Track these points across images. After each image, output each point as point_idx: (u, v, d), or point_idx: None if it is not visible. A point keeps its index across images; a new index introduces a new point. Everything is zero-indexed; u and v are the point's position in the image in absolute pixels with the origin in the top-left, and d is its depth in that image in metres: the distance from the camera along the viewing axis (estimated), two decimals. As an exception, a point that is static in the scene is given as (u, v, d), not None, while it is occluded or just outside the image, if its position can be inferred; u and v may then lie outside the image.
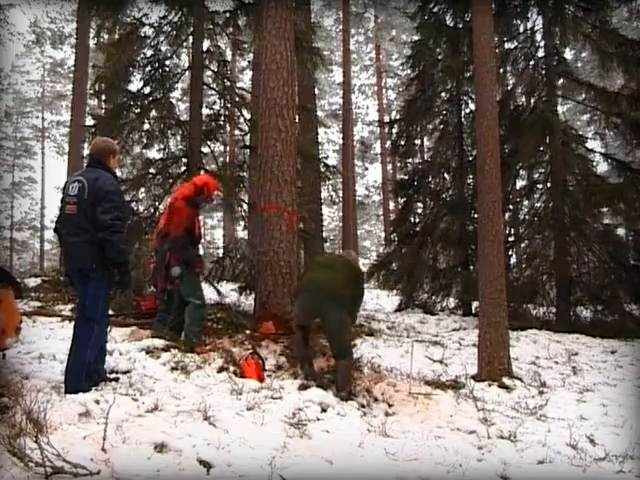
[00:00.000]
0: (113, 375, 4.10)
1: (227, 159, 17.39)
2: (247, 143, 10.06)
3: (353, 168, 22.75)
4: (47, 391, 3.53)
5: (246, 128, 9.80)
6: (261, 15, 6.81)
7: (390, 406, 4.45)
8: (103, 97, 10.53)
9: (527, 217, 11.23)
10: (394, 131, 12.64)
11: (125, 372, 4.26)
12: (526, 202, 11.45)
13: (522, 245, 11.61)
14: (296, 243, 6.03)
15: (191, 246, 5.52)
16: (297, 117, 6.61)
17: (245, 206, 9.40)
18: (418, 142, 14.55)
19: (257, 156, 6.39)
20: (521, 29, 11.26)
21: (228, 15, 9.41)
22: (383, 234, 26.77)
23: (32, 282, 9.18)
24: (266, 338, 5.51)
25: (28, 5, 16.35)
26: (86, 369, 3.74)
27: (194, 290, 5.39)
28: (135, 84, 9.65)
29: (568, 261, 10.14)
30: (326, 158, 11.06)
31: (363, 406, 4.35)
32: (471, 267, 11.09)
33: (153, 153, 10.01)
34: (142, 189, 9.15)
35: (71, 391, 3.57)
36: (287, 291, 5.79)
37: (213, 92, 9.93)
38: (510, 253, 11.27)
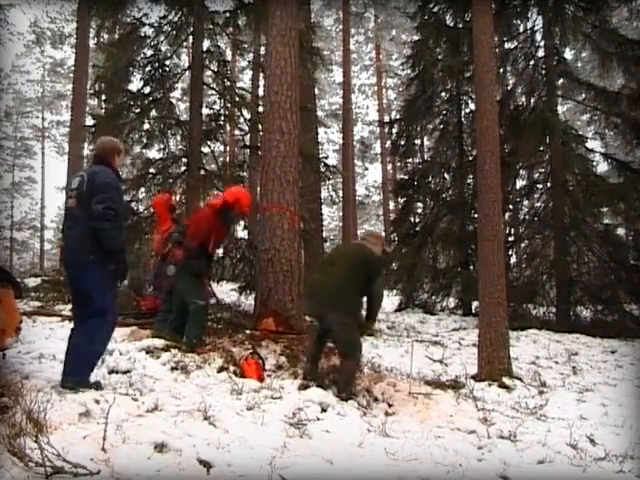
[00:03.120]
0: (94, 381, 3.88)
1: (227, 159, 17.39)
2: (247, 143, 10.06)
3: (353, 168, 22.72)
4: (47, 391, 3.51)
5: (246, 128, 9.80)
6: (263, 17, 6.99)
7: (390, 406, 4.44)
8: (103, 97, 10.52)
9: (527, 217, 11.24)
10: (394, 131, 12.65)
11: (125, 372, 4.25)
12: (526, 202, 11.48)
13: (522, 245, 11.63)
14: (297, 242, 6.07)
15: (204, 258, 5.38)
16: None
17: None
18: (418, 142, 14.57)
19: (260, 157, 6.47)
20: (521, 29, 11.28)
21: (228, 15, 9.41)
22: (383, 234, 26.75)
23: (32, 282, 9.19)
24: (266, 338, 5.51)
25: (28, 5, 16.34)
26: (95, 363, 3.75)
27: (196, 290, 5.37)
28: (135, 84, 9.66)
29: (568, 261, 10.14)
30: (326, 158, 11.04)
31: (363, 406, 4.34)
32: (471, 267, 11.09)
33: (153, 153, 10.02)
34: (142, 189, 9.16)
35: (74, 382, 3.54)
36: (288, 288, 5.82)
37: (213, 92, 9.92)
38: (510, 253, 11.28)
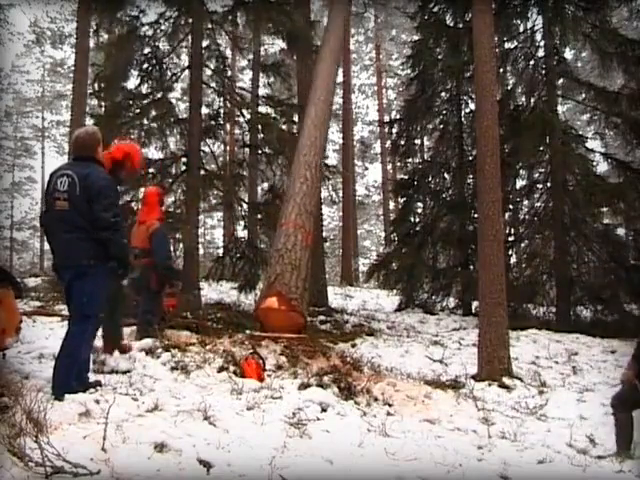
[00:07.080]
0: (94, 380, 3.87)
1: (227, 158, 17.39)
2: (246, 142, 10.06)
3: (353, 168, 22.74)
4: (47, 391, 3.51)
5: (245, 127, 9.80)
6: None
7: (390, 406, 4.44)
8: (102, 96, 10.51)
9: (527, 217, 11.24)
10: (394, 131, 12.66)
11: (125, 372, 4.25)
12: (526, 202, 11.47)
13: (522, 245, 11.61)
14: (308, 255, 6.30)
15: None
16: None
17: (245, 205, 9.41)
18: (418, 142, 14.55)
19: (285, 194, 7.35)
20: (521, 29, 11.27)
21: (227, 14, 9.39)
22: (383, 234, 26.73)
23: (32, 282, 9.19)
24: (266, 338, 5.50)
25: (28, 5, 16.32)
26: (78, 368, 3.65)
27: None
28: (134, 83, 9.65)
29: (568, 261, 10.14)
30: (326, 158, 11.05)
31: (363, 406, 4.34)
32: (471, 267, 11.09)
33: (153, 153, 10.02)
34: (142, 189, 9.15)
35: (61, 392, 3.42)
36: (295, 278, 5.96)
37: (212, 91, 9.92)
38: (510, 253, 11.27)
